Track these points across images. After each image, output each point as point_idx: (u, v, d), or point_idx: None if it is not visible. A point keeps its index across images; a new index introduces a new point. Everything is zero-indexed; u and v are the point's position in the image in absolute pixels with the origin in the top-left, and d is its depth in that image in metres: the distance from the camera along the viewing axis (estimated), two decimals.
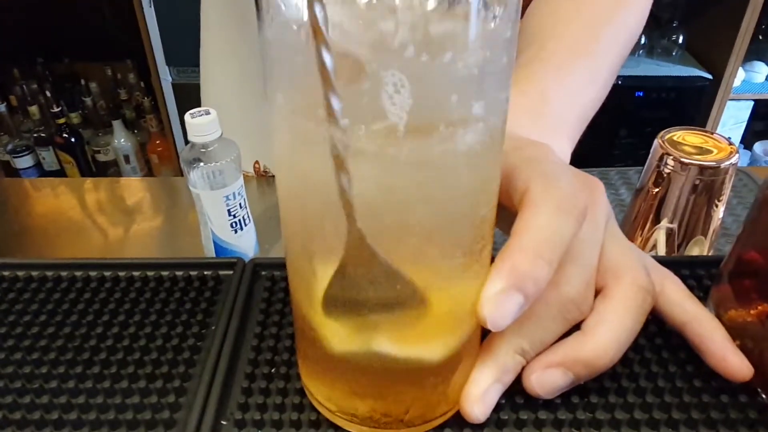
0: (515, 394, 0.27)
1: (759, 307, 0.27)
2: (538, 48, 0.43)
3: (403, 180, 0.20)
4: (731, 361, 0.27)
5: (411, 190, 0.21)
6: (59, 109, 1.91)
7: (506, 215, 0.27)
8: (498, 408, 0.27)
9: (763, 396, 0.27)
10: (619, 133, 1.80)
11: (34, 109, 1.94)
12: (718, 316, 0.29)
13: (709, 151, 0.45)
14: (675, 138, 0.47)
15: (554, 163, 0.28)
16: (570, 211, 0.25)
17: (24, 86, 2.00)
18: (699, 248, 0.49)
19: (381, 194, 0.21)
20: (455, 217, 0.22)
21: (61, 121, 1.92)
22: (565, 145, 0.38)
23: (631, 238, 0.51)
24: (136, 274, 0.35)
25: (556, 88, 0.40)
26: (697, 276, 0.34)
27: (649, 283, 0.28)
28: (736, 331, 0.28)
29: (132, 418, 0.27)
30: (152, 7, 1.65)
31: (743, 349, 0.27)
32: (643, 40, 1.86)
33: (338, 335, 0.25)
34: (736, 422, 0.26)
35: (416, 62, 0.18)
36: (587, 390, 0.28)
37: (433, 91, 0.19)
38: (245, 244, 0.55)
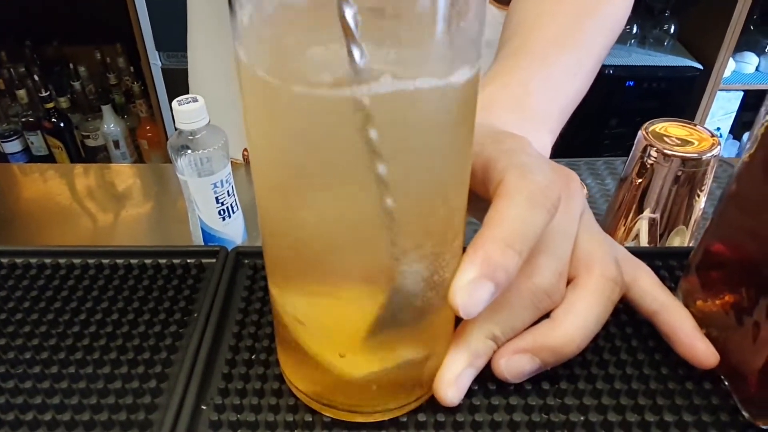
0: (487, 379, 0.27)
1: (724, 298, 0.28)
2: (522, 40, 0.43)
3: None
4: (699, 348, 0.28)
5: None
6: (47, 93, 1.90)
7: (482, 206, 0.27)
8: (470, 393, 0.27)
9: (726, 383, 0.28)
10: (610, 122, 1.81)
11: (22, 92, 1.92)
12: (687, 306, 0.30)
13: (691, 143, 0.46)
14: (659, 129, 0.47)
15: (530, 156, 0.28)
16: (543, 203, 0.25)
17: (11, 69, 1.98)
18: (680, 238, 0.50)
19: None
20: (426, 206, 0.22)
21: (50, 105, 1.91)
22: (545, 138, 0.38)
23: (615, 227, 0.52)
24: (119, 261, 0.35)
25: (538, 80, 0.40)
26: (669, 267, 0.35)
27: (618, 274, 0.28)
28: (703, 321, 0.29)
29: (114, 403, 0.27)
30: None
31: (709, 337, 0.28)
32: (634, 30, 1.86)
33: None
34: (699, 408, 0.27)
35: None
36: (558, 377, 0.28)
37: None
38: (233, 231, 0.55)
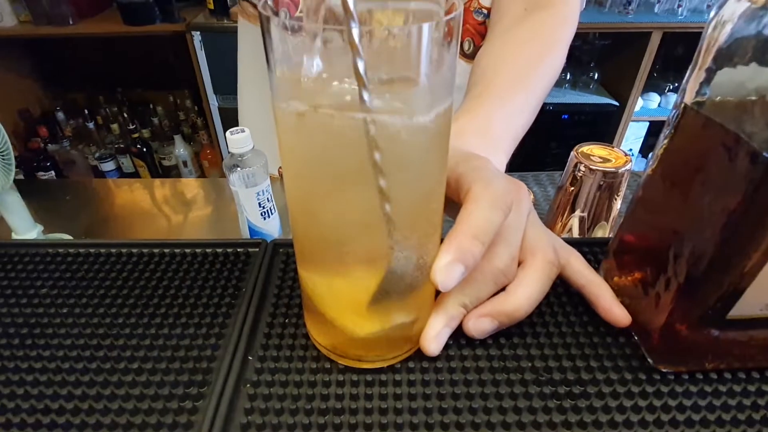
0: (459, 336, 0.27)
1: (634, 275, 0.27)
2: (484, 85, 0.42)
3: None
4: (616, 312, 0.28)
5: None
6: (134, 126, 1.89)
7: (455, 207, 0.27)
8: (447, 347, 0.27)
9: (636, 338, 0.27)
10: (551, 145, 1.79)
11: (114, 126, 1.93)
12: (607, 281, 0.29)
13: (610, 160, 0.45)
14: (586, 150, 0.47)
15: (491, 171, 0.28)
16: (500, 206, 0.25)
17: (107, 109, 1.98)
18: (602, 231, 0.49)
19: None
20: (414, 208, 0.22)
21: (135, 135, 1.90)
22: (502, 158, 0.37)
23: (554, 223, 0.51)
24: (188, 251, 0.35)
25: (497, 116, 0.39)
26: (594, 252, 0.35)
27: (556, 258, 0.28)
28: (619, 292, 0.28)
29: (183, 355, 0.27)
30: (203, 50, 1.62)
31: (624, 304, 0.28)
32: (568, 76, 1.85)
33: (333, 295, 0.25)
34: (616, 356, 0.27)
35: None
36: (511, 334, 0.28)
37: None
38: (271, 228, 0.54)
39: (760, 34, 0.19)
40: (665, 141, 0.24)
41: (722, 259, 0.21)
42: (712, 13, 0.21)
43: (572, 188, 0.47)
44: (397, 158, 0.20)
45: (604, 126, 1.79)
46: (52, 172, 1.87)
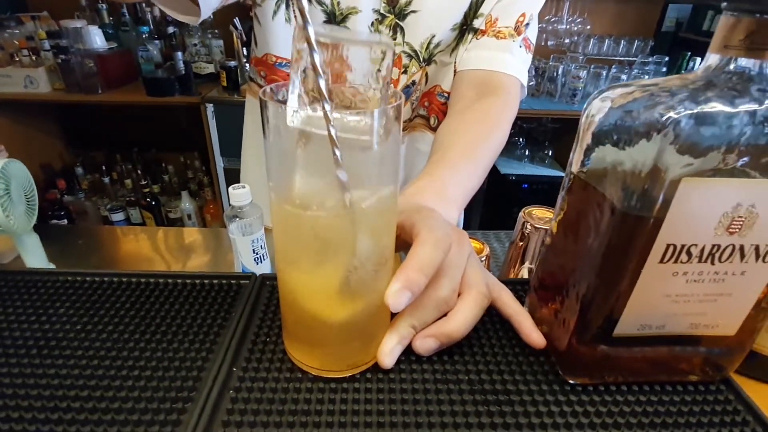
0: (409, 353, 0.29)
1: (549, 305, 0.30)
2: (442, 153, 0.46)
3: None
4: (534, 336, 0.30)
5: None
6: (146, 182, 1.92)
7: (407, 246, 0.30)
8: (399, 361, 0.29)
9: (553, 357, 0.30)
10: (513, 210, 1.85)
11: (128, 181, 1.94)
12: (531, 312, 0.32)
13: (551, 220, 0.50)
14: (532, 212, 0.50)
15: (437, 220, 0.31)
16: (441, 247, 0.28)
17: (122, 166, 2.01)
18: None
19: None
20: (375, 247, 0.26)
21: (146, 190, 1.92)
22: (454, 213, 0.40)
23: (508, 272, 0.52)
24: (188, 281, 0.37)
25: (450, 179, 0.42)
26: (525, 288, 0.37)
27: (488, 292, 0.31)
28: (539, 320, 0.31)
29: (178, 365, 0.29)
30: (214, 119, 1.70)
31: (543, 331, 0.31)
32: (527, 152, 1.97)
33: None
34: (536, 371, 0.29)
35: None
36: (452, 352, 0.30)
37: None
38: (262, 271, 0.55)
39: (614, 123, 0.24)
40: (562, 201, 0.29)
41: (601, 288, 0.25)
42: (584, 108, 0.27)
43: (521, 243, 0.50)
44: (367, 222, 0.24)
45: (557, 193, 1.87)
46: (65, 220, 1.86)
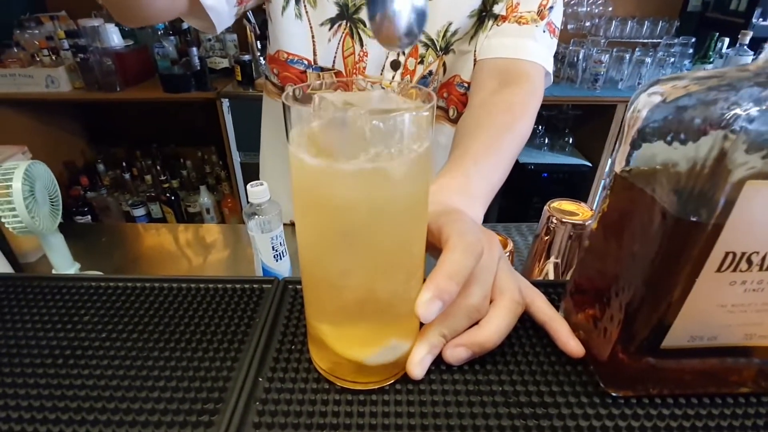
0: (440, 363, 0.28)
1: (587, 312, 0.29)
2: (464, 148, 0.44)
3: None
4: (572, 344, 0.29)
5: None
6: (165, 177, 1.95)
7: (437, 251, 0.29)
8: (429, 372, 0.28)
9: (591, 366, 0.29)
10: (533, 200, 1.82)
11: (148, 177, 1.98)
12: (566, 317, 0.31)
13: (578, 214, 0.47)
14: (557, 205, 0.49)
15: (466, 223, 0.30)
16: (472, 253, 0.27)
17: (143, 162, 2.05)
18: None
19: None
20: (402, 253, 0.25)
21: (166, 185, 1.95)
22: (479, 211, 0.39)
23: (532, 268, 0.51)
24: (211, 285, 0.36)
25: (474, 174, 0.41)
26: (558, 293, 0.36)
27: (521, 298, 0.30)
28: (575, 327, 0.30)
29: (203, 375, 0.28)
30: (230, 113, 1.70)
31: (579, 338, 0.29)
32: (546, 140, 1.92)
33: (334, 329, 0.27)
34: (574, 382, 0.28)
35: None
36: (484, 362, 0.29)
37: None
38: (283, 268, 0.55)
39: (665, 119, 0.22)
40: (603, 201, 0.27)
41: (649, 297, 0.23)
42: (629, 104, 0.24)
43: (546, 237, 0.48)
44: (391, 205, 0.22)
45: (578, 183, 1.83)
46: (89, 217, 1.90)
